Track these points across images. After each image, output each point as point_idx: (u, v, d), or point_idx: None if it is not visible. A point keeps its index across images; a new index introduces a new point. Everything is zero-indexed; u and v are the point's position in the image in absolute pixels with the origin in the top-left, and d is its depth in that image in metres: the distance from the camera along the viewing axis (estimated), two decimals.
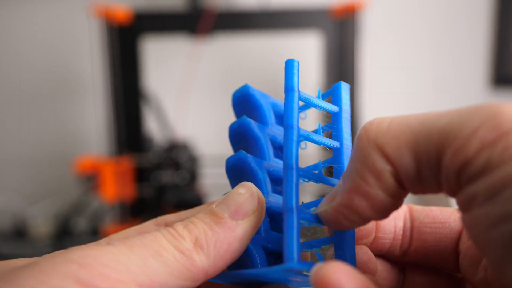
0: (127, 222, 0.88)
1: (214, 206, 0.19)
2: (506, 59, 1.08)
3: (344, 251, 0.19)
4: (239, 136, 0.22)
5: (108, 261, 0.16)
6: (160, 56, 1.07)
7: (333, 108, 0.22)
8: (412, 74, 1.11)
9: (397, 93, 1.11)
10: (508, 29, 1.07)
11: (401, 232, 0.21)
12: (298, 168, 0.18)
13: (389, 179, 0.16)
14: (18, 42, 1.13)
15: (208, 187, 0.93)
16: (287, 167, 0.18)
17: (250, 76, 1.12)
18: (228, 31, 0.89)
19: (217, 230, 0.18)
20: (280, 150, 0.22)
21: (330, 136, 0.21)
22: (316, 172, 0.20)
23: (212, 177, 0.95)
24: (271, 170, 0.21)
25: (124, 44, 0.86)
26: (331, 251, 0.20)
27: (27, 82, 1.14)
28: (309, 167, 0.21)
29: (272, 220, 0.21)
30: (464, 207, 0.15)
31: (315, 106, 0.21)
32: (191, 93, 0.97)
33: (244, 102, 0.23)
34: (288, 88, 0.20)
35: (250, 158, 0.20)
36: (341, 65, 0.85)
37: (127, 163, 0.87)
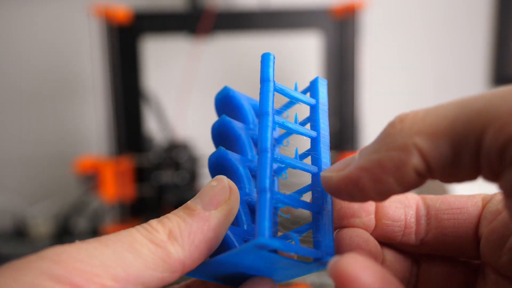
0: (127, 222, 0.88)
1: (189, 201, 0.20)
2: (506, 59, 1.08)
3: (321, 234, 0.19)
4: (220, 135, 0.22)
5: (83, 257, 0.16)
6: (160, 56, 1.07)
7: (309, 100, 0.22)
8: (412, 74, 1.11)
9: (397, 93, 1.11)
10: (508, 29, 1.07)
11: (413, 220, 0.21)
12: (272, 152, 0.19)
13: (410, 173, 0.16)
14: (18, 42, 1.13)
15: None
16: (262, 149, 0.18)
17: (250, 76, 1.12)
18: (228, 31, 0.89)
19: (190, 221, 0.18)
20: None
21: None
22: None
23: None
24: (253, 166, 0.21)
25: (124, 44, 0.86)
26: (307, 234, 0.20)
27: (27, 82, 1.14)
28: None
29: (254, 214, 0.21)
30: (508, 191, 0.15)
31: (291, 97, 0.21)
32: (191, 93, 0.97)
33: (225, 103, 0.23)
34: (264, 79, 0.20)
35: (230, 154, 0.21)
36: (341, 65, 0.85)
37: (127, 163, 0.87)
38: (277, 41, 1.05)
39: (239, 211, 0.20)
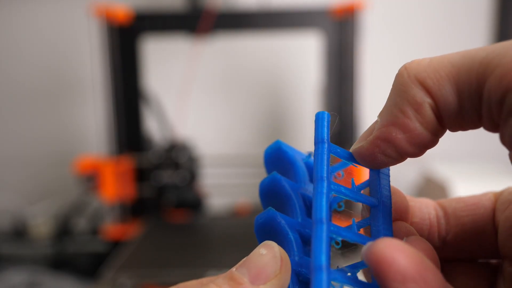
0: (127, 222, 0.88)
1: (234, 269, 0.18)
2: None
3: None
4: (269, 194, 0.21)
5: None
6: (160, 56, 1.07)
7: None
8: None
9: None
10: (508, 29, 1.07)
11: (435, 220, 0.21)
12: (328, 223, 0.17)
13: (428, 112, 0.16)
14: (18, 42, 1.13)
15: (208, 187, 0.93)
16: (316, 221, 0.17)
17: (250, 76, 1.12)
18: (228, 31, 0.89)
19: None
20: (311, 208, 0.20)
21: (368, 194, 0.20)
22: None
23: (212, 177, 0.95)
24: (303, 230, 0.20)
25: (124, 44, 0.86)
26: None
27: (27, 82, 1.14)
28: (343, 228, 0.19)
29: (302, 286, 0.19)
30: (509, 141, 0.15)
31: (347, 159, 0.20)
32: (191, 93, 0.97)
33: (277, 158, 0.22)
34: (318, 140, 0.19)
35: (279, 216, 0.19)
36: (341, 65, 0.85)
37: (127, 163, 0.87)
38: (277, 41, 1.05)
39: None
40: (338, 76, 0.86)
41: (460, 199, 0.21)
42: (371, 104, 1.01)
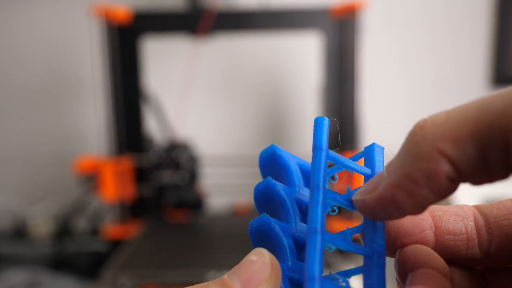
0: (127, 222, 0.88)
1: (226, 276, 0.18)
2: (506, 59, 1.08)
3: (373, 280, 0.18)
4: (264, 198, 0.21)
5: None
6: (160, 56, 1.07)
7: (364, 170, 0.21)
8: (412, 74, 1.11)
9: (397, 93, 1.11)
10: (508, 29, 1.07)
11: (474, 231, 0.20)
12: (323, 233, 0.17)
13: (442, 180, 0.16)
14: (18, 42, 1.13)
15: (208, 187, 0.93)
16: (311, 231, 0.17)
17: (250, 76, 1.12)
18: (228, 31, 0.89)
19: None
20: (305, 213, 0.21)
21: None
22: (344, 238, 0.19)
23: (212, 177, 0.94)
24: (297, 235, 0.20)
25: (124, 44, 0.86)
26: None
27: (27, 82, 1.14)
28: (336, 233, 0.19)
29: None
30: None
31: (345, 166, 0.20)
32: (191, 93, 0.97)
33: (271, 163, 0.22)
34: (316, 147, 0.19)
35: (273, 222, 0.19)
36: (341, 65, 0.85)
37: (127, 163, 0.87)
38: (277, 41, 1.05)
39: None
40: (338, 76, 0.86)
41: (502, 206, 0.20)
42: (371, 104, 1.01)
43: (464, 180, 0.16)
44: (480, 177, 0.16)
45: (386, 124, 1.09)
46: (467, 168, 0.15)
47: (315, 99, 1.00)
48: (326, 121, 0.20)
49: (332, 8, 0.84)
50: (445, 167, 0.16)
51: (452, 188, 0.16)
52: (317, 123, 0.20)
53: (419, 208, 0.17)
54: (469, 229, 0.20)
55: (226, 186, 0.94)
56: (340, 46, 0.85)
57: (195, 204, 0.88)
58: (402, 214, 0.17)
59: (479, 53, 1.10)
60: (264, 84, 1.12)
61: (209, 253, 0.72)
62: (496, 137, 0.15)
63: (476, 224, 0.20)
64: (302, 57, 1.08)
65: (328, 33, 0.85)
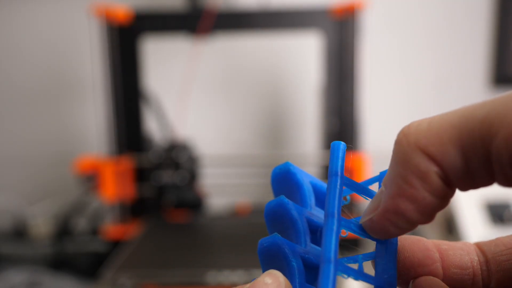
0: (127, 222, 0.88)
1: None
2: (506, 59, 1.08)
3: None
4: (275, 216, 0.21)
5: None
6: (160, 56, 1.08)
7: None
8: (412, 74, 1.11)
9: (397, 93, 1.12)
10: (508, 29, 1.07)
11: (478, 267, 0.20)
12: (336, 263, 0.17)
13: (435, 179, 0.16)
14: (18, 42, 1.13)
15: (208, 187, 0.93)
16: (325, 260, 0.17)
17: (250, 76, 1.12)
18: (228, 31, 0.89)
19: None
20: (315, 234, 0.21)
21: None
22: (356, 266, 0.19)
23: (212, 177, 0.95)
24: (306, 257, 0.20)
25: (124, 44, 0.86)
26: None
27: (27, 82, 1.14)
28: (348, 258, 0.20)
29: None
30: None
31: (361, 192, 0.20)
32: (191, 93, 0.97)
33: (284, 180, 0.22)
34: (332, 173, 0.19)
35: (284, 243, 0.19)
36: (341, 65, 0.85)
37: (127, 163, 0.87)
38: (277, 41, 1.05)
39: None
40: (338, 76, 0.86)
41: (499, 242, 0.20)
42: (371, 104, 1.01)
43: (451, 183, 0.16)
44: (465, 182, 0.16)
45: (386, 124, 1.09)
46: (453, 172, 0.16)
47: (315, 99, 1.00)
48: (343, 146, 0.20)
49: (332, 8, 0.84)
50: (434, 168, 0.16)
51: (447, 189, 0.16)
52: (334, 148, 0.20)
53: (426, 214, 0.17)
54: (475, 264, 0.20)
55: (226, 186, 0.94)
56: (340, 46, 0.85)
57: (195, 204, 0.88)
58: (411, 223, 0.17)
59: (479, 53, 1.10)
60: (264, 84, 1.12)
61: (209, 253, 0.72)
62: (477, 144, 0.15)
63: (479, 260, 0.20)
64: (302, 57, 1.08)
65: (328, 33, 0.85)
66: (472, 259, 0.20)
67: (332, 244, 0.17)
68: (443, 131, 0.16)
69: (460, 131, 0.15)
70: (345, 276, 0.18)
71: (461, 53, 1.10)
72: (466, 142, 0.15)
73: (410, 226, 0.17)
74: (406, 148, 0.16)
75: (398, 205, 0.17)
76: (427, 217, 0.17)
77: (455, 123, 0.16)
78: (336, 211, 0.18)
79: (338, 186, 0.19)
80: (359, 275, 0.18)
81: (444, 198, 0.17)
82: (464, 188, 0.16)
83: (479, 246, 0.21)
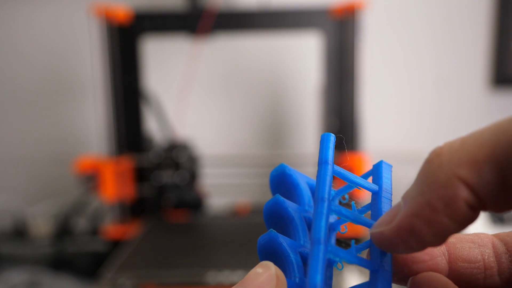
0: (127, 222, 0.88)
1: None
2: (506, 59, 1.08)
3: None
4: (273, 215, 0.21)
5: None
6: (160, 56, 1.08)
7: (372, 186, 0.21)
8: (412, 74, 1.11)
9: (397, 93, 1.12)
10: (508, 29, 1.07)
11: (492, 259, 0.19)
12: (326, 244, 0.17)
13: (461, 205, 0.15)
14: (18, 42, 1.13)
15: (208, 187, 0.93)
16: (314, 241, 0.17)
17: (250, 76, 1.12)
18: (228, 31, 0.89)
19: None
20: None
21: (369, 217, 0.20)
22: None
23: (212, 177, 0.95)
24: (304, 252, 0.20)
25: (124, 44, 0.86)
26: None
27: (27, 82, 1.14)
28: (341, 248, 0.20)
29: None
30: None
31: (351, 182, 0.20)
32: (191, 93, 0.97)
33: (281, 181, 0.22)
34: (322, 161, 0.19)
35: (281, 238, 0.20)
36: (341, 65, 0.85)
37: (127, 163, 0.87)
38: (277, 41, 1.05)
39: None
40: (338, 76, 0.86)
41: None
42: (371, 104, 1.01)
43: (485, 207, 0.15)
44: (501, 203, 0.15)
45: (386, 124, 1.09)
46: (487, 194, 0.15)
47: (315, 99, 1.00)
48: (332, 137, 0.20)
49: (332, 8, 0.84)
50: (463, 193, 0.15)
51: (472, 216, 0.16)
52: (323, 139, 0.20)
53: (439, 238, 0.16)
54: (486, 257, 0.19)
55: (226, 186, 0.94)
56: (340, 46, 0.85)
57: (195, 204, 0.88)
58: (422, 245, 0.17)
59: (479, 53, 1.10)
60: (264, 84, 1.12)
61: (209, 253, 0.72)
62: None
63: (496, 252, 0.20)
64: (302, 57, 1.08)
65: (328, 33, 0.85)
66: (484, 252, 0.19)
67: (321, 226, 0.17)
68: (477, 149, 0.15)
69: (495, 148, 0.15)
70: (337, 259, 0.18)
71: (461, 53, 1.10)
72: (502, 159, 0.15)
73: (420, 247, 0.17)
74: (437, 169, 0.16)
75: (414, 225, 0.16)
76: (441, 241, 0.17)
77: (489, 141, 0.15)
78: (326, 196, 0.18)
79: (328, 173, 0.19)
80: (352, 257, 0.18)
81: (464, 224, 0.16)
82: (499, 208, 0.16)
83: (500, 237, 0.20)
